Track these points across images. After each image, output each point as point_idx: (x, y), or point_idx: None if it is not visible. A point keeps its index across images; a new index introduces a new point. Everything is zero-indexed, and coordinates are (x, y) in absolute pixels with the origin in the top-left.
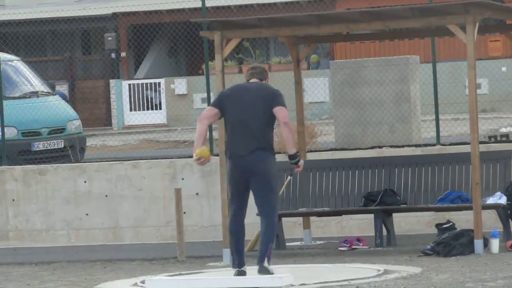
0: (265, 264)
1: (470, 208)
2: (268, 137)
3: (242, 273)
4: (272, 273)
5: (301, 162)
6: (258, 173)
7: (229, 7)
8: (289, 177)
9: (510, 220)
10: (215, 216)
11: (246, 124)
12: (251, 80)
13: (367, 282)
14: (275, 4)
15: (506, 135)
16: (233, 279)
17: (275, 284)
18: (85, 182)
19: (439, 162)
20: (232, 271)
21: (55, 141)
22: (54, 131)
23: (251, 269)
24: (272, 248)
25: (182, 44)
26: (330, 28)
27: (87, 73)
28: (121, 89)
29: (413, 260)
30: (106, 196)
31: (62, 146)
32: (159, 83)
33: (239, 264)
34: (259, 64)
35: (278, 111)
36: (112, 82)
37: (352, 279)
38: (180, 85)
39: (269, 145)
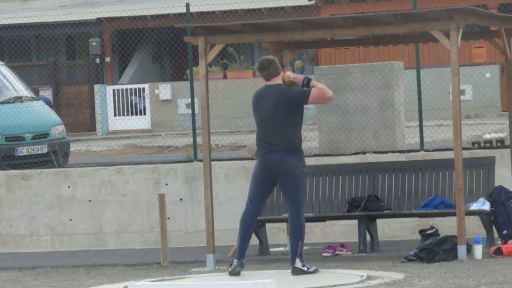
0: (297, 264)
1: (453, 214)
2: (293, 137)
3: (240, 263)
4: (309, 271)
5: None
6: (285, 171)
7: (213, 12)
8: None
9: (493, 226)
10: (199, 222)
11: (272, 124)
12: (266, 83)
13: None
14: (259, 9)
15: (490, 141)
16: (216, 285)
17: None
18: (68, 187)
19: (422, 168)
20: (225, 273)
21: (39, 146)
22: (37, 136)
23: (241, 274)
24: (302, 246)
25: (166, 50)
26: (314, 34)
27: (72, 78)
28: (105, 94)
29: (396, 266)
30: (90, 201)
31: (46, 151)
32: (144, 89)
33: (239, 256)
34: (263, 59)
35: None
36: (97, 87)
37: (335, 285)
38: (165, 90)
39: (295, 144)
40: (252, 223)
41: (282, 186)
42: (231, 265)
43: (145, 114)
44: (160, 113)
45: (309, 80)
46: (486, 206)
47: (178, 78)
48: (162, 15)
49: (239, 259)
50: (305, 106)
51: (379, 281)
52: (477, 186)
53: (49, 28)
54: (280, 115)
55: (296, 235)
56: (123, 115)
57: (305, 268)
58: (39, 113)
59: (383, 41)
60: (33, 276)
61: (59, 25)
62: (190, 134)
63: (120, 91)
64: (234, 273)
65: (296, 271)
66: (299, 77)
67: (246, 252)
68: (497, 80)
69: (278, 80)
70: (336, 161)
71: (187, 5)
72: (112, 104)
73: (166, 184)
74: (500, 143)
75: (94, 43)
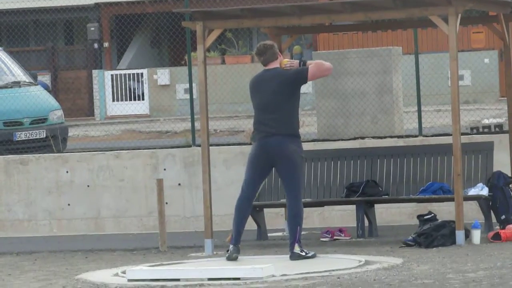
0: (295, 249)
1: (452, 200)
2: (291, 121)
3: (236, 249)
4: (307, 256)
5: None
6: (284, 156)
7: None
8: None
9: (491, 211)
10: (197, 207)
11: (271, 107)
12: (264, 68)
13: (348, 273)
14: None
15: (488, 127)
16: (214, 270)
17: (256, 274)
18: (67, 172)
19: (421, 153)
20: (220, 258)
21: (37, 131)
22: (36, 121)
23: (239, 259)
24: (301, 231)
25: (165, 35)
26: (312, 19)
27: (70, 63)
28: (103, 80)
29: (394, 251)
30: (88, 186)
31: (44, 136)
32: (142, 74)
33: (236, 241)
34: (261, 44)
35: (309, 75)
36: (95, 72)
37: (333, 270)
38: (163, 75)
39: (293, 129)
40: (248, 208)
41: (280, 171)
42: (227, 250)
43: (143, 99)
44: (158, 98)
45: (305, 61)
46: (485, 191)
47: (177, 63)
48: (160, 0)
49: (235, 244)
50: (303, 91)
51: (377, 266)
52: (475, 171)
53: (47, 13)
54: (279, 97)
55: (294, 220)
56: (122, 100)
57: (303, 253)
58: (37, 98)
59: (382, 26)
60: (31, 261)
61: (57, 10)
62: (189, 119)
63: (118, 76)
64: (231, 258)
65: (295, 256)
66: (295, 62)
67: (245, 237)
68: (495, 65)
69: (276, 65)
70: (334, 146)
71: None
72: (110, 89)
73: (164, 169)
74: (499, 128)
75: (92, 28)
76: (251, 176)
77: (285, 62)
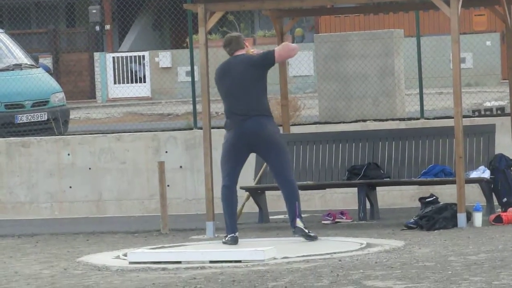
0: (298, 224)
1: (453, 182)
2: (263, 103)
3: (234, 238)
4: (310, 234)
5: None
6: (264, 139)
7: None
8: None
9: (493, 194)
10: (198, 189)
11: (241, 92)
12: (234, 54)
13: (350, 255)
14: None
15: (490, 109)
16: (215, 253)
17: (258, 257)
18: (68, 154)
19: (422, 136)
20: (218, 242)
21: (39, 113)
22: (37, 104)
23: (240, 242)
24: (300, 206)
25: (166, 17)
26: (314, 1)
27: (71, 46)
28: (105, 62)
29: (396, 234)
30: (90, 169)
31: (46, 118)
32: (144, 56)
33: (232, 230)
34: (227, 36)
35: (275, 57)
36: (96, 55)
37: (334, 253)
38: (165, 58)
39: (267, 110)
40: (234, 196)
41: (264, 154)
42: (225, 237)
43: (145, 81)
44: (160, 81)
45: (271, 51)
46: (486, 174)
47: (178, 46)
48: None
49: (233, 233)
50: (305, 74)
51: (379, 249)
52: (477, 154)
53: None
54: (249, 81)
55: (291, 197)
56: (123, 82)
57: (306, 230)
58: (39, 80)
59: (383, 9)
60: (32, 243)
61: None
62: (190, 101)
63: (120, 59)
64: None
65: (298, 231)
66: (260, 51)
67: (246, 219)
68: (497, 48)
69: (242, 52)
70: (336, 129)
71: None
72: (112, 72)
73: (166, 152)
74: (501, 111)
75: (94, 11)
76: (231, 166)
77: (252, 50)
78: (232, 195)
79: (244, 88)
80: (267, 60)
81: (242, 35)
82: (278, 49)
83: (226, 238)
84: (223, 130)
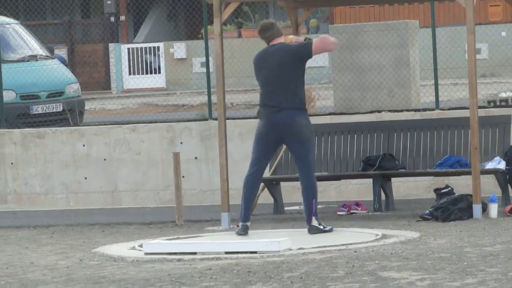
0: (313, 223)
1: (469, 173)
2: (298, 95)
3: (244, 227)
4: (325, 230)
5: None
6: (293, 131)
7: None
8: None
9: (509, 185)
10: (213, 180)
11: (278, 82)
12: (269, 44)
13: (365, 246)
14: None
15: (505, 100)
16: (231, 243)
17: (273, 248)
18: (83, 145)
19: (438, 127)
20: (232, 231)
21: (54, 104)
22: (52, 95)
23: (255, 233)
24: (316, 204)
25: (181, 8)
26: None
27: (86, 36)
28: (120, 53)
29: (411, 225)
30: (105, 159)
31: (61, 109)
32: (158, 47)
33: (245, 219)
34: (265, 22)
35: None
36: (111, 46)
37: (350, 244)
38: (179, 49)
39: (301, 103)
40: (257, 185)
41: (291, 146)
42: (237, 226)
43: (160, 72)
44: (175, 72)
45: (310, 39)
46: (502, 165)
47: (193, 37)
48: None
49: (245, 222)
50: (319, 65)
51: (394, 240)
52: (492, 145)
53: None
54: (285, 70)
55: (309, 194)
56: (138, 73)
57: (321, 227)
58: (54, 71)
59: (399, 0)
60: (48, 234)
61: None
62: (205, 92)
63: (135, 50)
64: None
65: (313, 229)
66: (300, 38)
67: (261, 211)
68: None
69: (281, 40)
70: (351, 120)
71: None
72: (126, 63)
73: (181, 143)
74: None
75: (109, 2)
76: (259, 153)
77: (291, 37)
78: (254, 184)
79: (280, 78)
80: (304, 51)
81: (277, 23)
82: (316, 41)
83: (238, 226)
84: (238, 121)
